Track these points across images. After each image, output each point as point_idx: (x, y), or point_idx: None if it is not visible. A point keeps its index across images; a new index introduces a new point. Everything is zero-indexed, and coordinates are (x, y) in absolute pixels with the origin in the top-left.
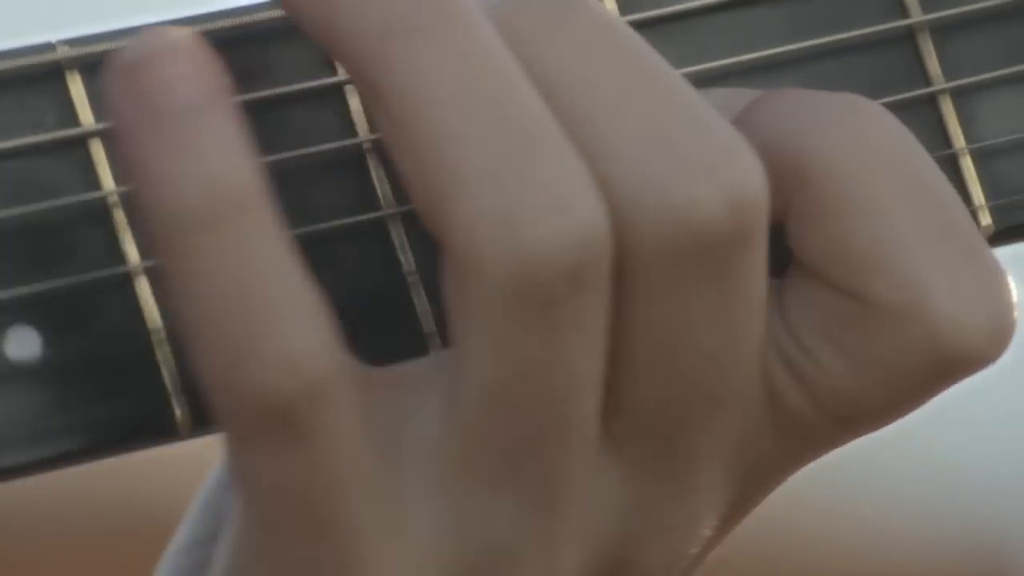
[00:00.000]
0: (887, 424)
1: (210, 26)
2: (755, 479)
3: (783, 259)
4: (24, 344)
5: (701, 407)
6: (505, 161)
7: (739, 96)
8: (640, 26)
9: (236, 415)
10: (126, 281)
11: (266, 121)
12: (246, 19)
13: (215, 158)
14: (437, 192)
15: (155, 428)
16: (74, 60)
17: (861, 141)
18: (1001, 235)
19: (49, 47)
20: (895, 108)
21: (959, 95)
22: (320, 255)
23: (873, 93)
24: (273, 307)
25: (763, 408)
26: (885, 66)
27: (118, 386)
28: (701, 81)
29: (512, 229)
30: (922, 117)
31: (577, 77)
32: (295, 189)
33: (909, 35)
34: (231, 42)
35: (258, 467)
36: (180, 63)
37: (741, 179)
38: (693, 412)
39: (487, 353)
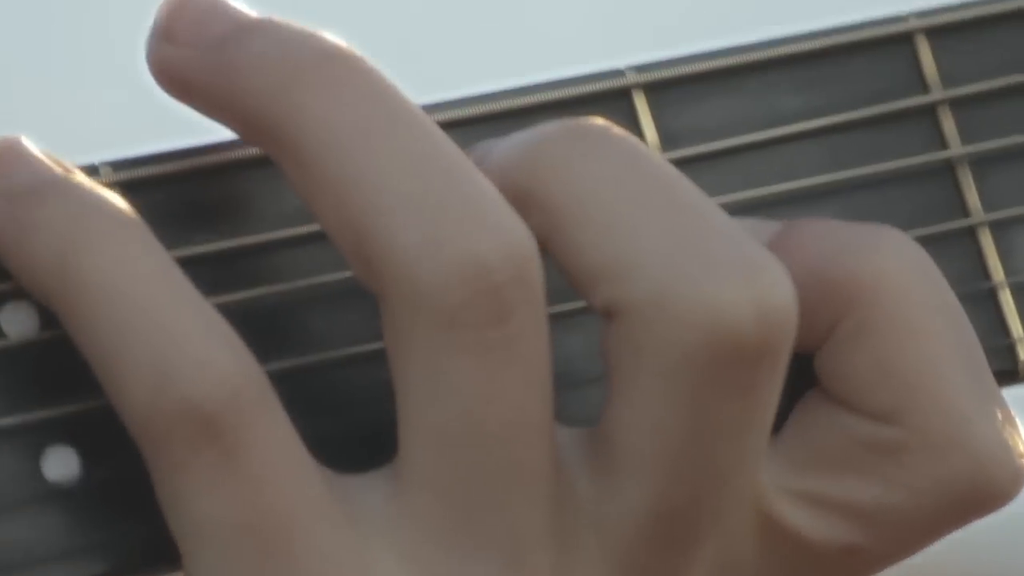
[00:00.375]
0: (898, 561)
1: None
2: None
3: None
4: (63, 464)
5: (701, 518)
6: (423, 186)
7: (764, 226)
8: (681, 161)
9: (167, 437)
10: None
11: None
12: None
13: (69, 197)
14: (362, 234)
15: None
16: (116, 184)
17: (906, 264)
18: None
19: (93, 170)
20: (934, 240)
21: (998, 228)
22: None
23: (912, 225)
24: (181, 320)
25: (753, 534)
26: (924, 198)
27: (157, 505)
28: (740, 210)
29: (437, 247)
30: (961, 249)
31: (608, 197)
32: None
33: (948, 167)
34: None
35: (198, 496)
36: (14, 158)
37: (773, 290)
38: (693, 521)
39: (424, 388)
